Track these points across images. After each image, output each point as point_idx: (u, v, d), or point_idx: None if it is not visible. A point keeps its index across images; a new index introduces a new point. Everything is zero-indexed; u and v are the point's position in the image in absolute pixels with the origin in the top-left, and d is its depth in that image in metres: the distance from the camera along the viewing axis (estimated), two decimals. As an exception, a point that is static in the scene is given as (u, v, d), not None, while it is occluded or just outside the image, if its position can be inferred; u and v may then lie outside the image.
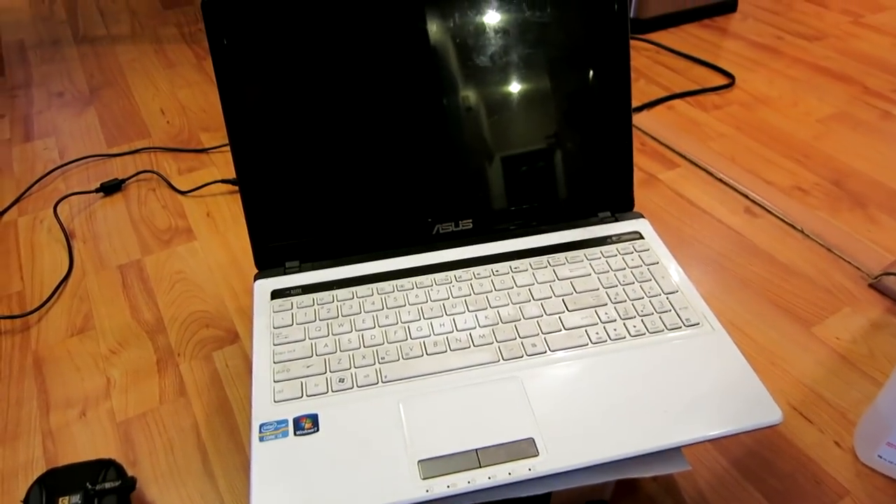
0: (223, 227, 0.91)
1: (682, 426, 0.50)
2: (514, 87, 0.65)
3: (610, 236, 0.67)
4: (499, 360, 0.55)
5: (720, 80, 1.22)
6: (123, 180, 0.98)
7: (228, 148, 1.06)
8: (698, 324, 0.58)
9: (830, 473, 0.61)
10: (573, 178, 0.69)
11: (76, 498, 0.54)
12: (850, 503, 0.58)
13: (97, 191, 0.96)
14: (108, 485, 0.55)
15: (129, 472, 0.59)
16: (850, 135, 1.07)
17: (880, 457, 0.59)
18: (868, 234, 0.87)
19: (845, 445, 0.63)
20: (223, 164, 1.03)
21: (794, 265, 0.82)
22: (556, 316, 0.59)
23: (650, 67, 1.28)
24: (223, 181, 0.97)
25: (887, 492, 0.59)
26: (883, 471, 0.60)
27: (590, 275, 0.63)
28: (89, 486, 0.54)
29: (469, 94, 0.64)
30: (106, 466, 0.57)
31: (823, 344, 0.72)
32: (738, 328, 0.74)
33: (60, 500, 0.54)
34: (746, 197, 0.93)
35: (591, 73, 0.66)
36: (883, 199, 0.93)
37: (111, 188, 0.97)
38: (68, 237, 0.89)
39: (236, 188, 0.97)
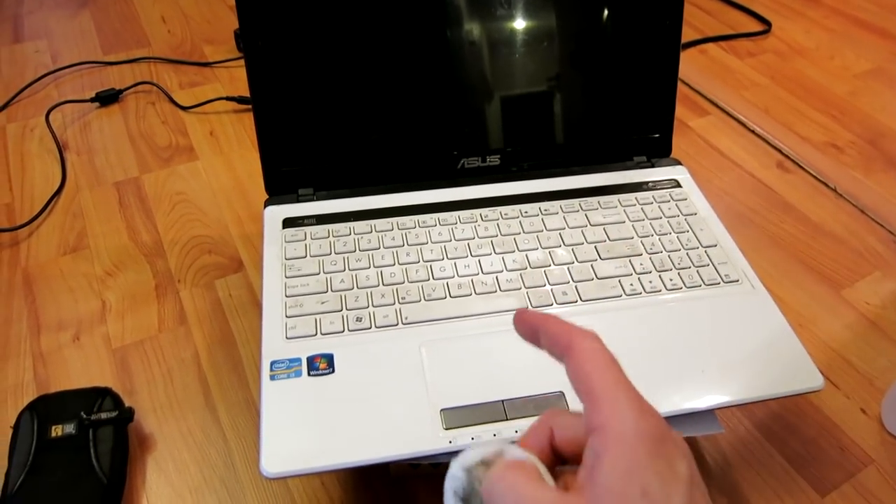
0: (227, 147, 0.85)
1: (720, 388, 0.47)
2: (555, 16, 0.59)
3: (646, 182, 0.63)
4: (527, 308, 0.52)
5: (756, 27, 1.15)
6: (121, 91, 0.91)
7: (233, 63, 0.99)
8: (738, 281, 0.55)
9: (855, 441, 0.58)
10: (610, 117, 0.64)
11: (70, 427, 0.50)
12: (874, 472, 0.56)
13: (92, 100, 0.90)
14: (104, 415, 0.51)
15: (126, 403, 0.56)
16: (888, 93, 1.01)
17: (910, 428, 0.57)
18: (902, 197, 0.83)
19: (871, 413, 0.60)
20: (228, 81, 0.96)
21: (825, 225, 0.79)
22: (589, 264, 0.55)
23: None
24: (228, 98, 0.91)
25: (913, 464, 0.57)
26: (912, 443, 0.58)
27: (624, 222, 0.59)
28: (84, 416, 0.51)
29: (505, 20, 0.58)
30: (102, 395, 0.53)
31: (853, 308, 0.69)
32: (766, 287, 0.71)
33: (53, 428, 0.50)
34: (779, 151, 0.89)
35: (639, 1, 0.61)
36: (919, 162, 0.88)
37: (107, 98, 0.90)
38: (61, 148, 0.83)
39: (242, 107, 0.91)
